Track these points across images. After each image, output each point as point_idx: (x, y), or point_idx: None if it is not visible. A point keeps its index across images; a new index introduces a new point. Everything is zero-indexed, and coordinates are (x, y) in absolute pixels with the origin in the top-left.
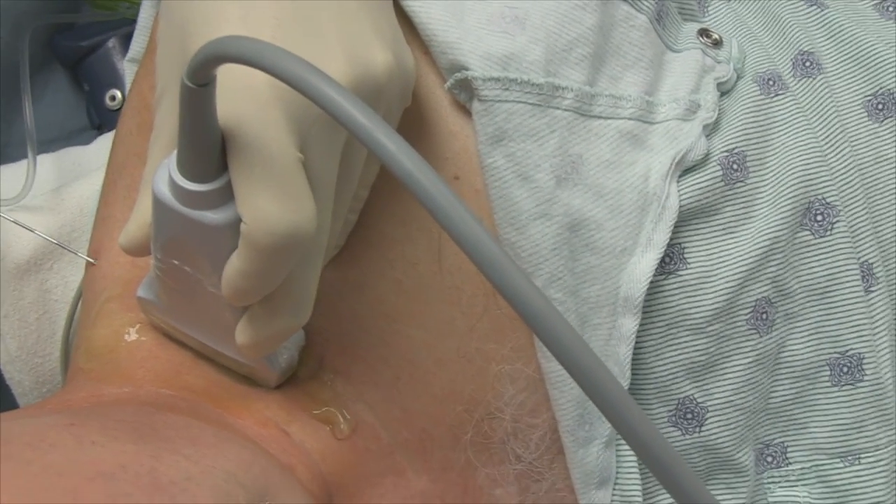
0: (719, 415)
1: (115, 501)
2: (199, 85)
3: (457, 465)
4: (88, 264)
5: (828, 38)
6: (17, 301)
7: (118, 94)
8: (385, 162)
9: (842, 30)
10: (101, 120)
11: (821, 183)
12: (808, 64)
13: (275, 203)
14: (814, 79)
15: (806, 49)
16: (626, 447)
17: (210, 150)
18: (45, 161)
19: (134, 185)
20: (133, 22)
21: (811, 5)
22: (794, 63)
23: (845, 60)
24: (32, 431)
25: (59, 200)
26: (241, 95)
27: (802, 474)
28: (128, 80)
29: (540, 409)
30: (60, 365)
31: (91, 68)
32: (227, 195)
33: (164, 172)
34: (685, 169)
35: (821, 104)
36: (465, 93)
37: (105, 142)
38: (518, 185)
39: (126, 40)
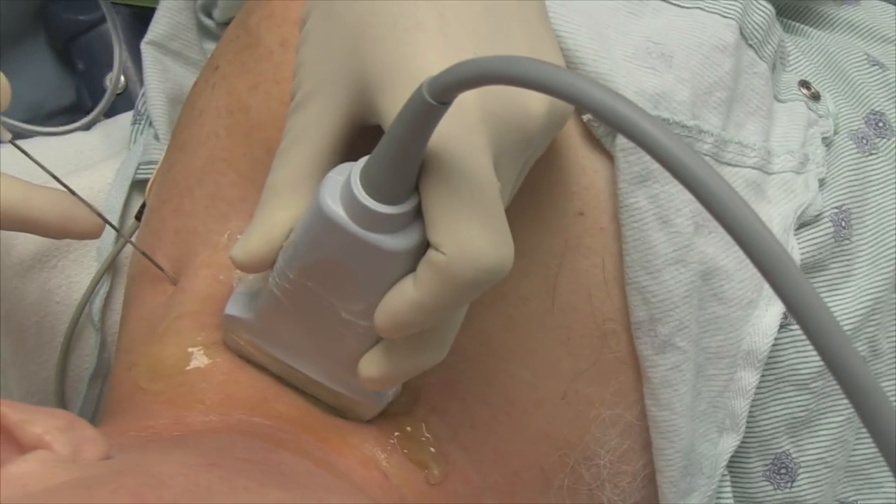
0: (810, 471)
1: None
2: (441, 102)
3: None
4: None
5: (891, 100)
6: (18, 301)
7: (120, 77)
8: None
9: None
10: (97, 103)
11: None
12: (880, 124)
13: (484, 235)
14: (888, 139)
15: (876, 109)
16: (726, 501)
17: (412, 171)
18: (37, 147)
19: (219, 193)
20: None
21: (873, 65)
22: (866, 122)
23: None
24: (181, 473)
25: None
26: (449, 114)
27: None
28: (147, 63)
29: (632, 456)
30: (56, 374)
31: (89, 46)
32: (408, 219)
33: (333, 188)
34: (801, 223)
35: None
36: (606, 127)
37: (108, 129)
38: (658, 228)
39: (129, 19)
